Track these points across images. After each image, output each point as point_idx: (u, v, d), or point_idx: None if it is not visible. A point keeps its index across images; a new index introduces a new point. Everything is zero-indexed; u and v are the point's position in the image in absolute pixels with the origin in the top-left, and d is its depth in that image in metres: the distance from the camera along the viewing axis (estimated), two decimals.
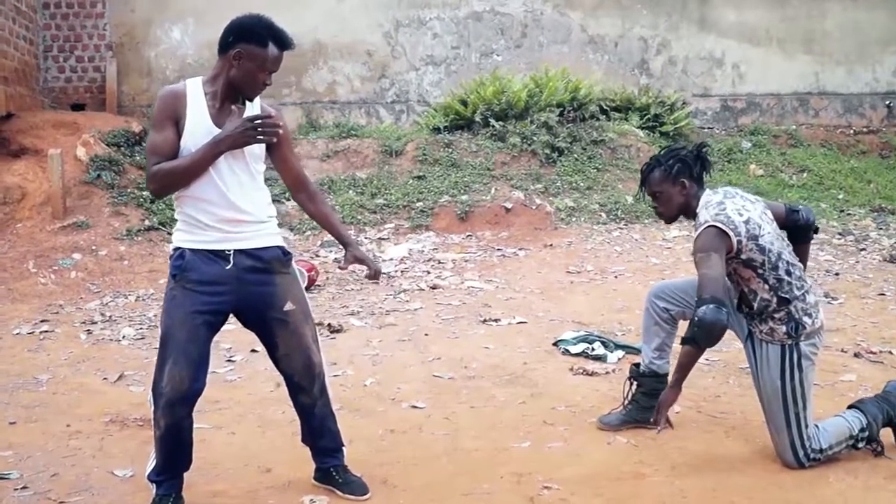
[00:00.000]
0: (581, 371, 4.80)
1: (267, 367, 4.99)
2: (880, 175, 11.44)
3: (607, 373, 4.81)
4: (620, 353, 5.15)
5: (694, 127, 11.94)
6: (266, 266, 3.05)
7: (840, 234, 9.28)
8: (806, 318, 3.46)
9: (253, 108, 3.04)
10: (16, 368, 5.13)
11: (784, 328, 3.44)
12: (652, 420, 3.65)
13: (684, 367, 3.43)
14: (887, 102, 12.90)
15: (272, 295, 3.07)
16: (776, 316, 3.45)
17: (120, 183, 8.86)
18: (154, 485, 3.14)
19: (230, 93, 2.97)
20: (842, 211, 10.27)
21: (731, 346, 5.38)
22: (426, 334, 5.74)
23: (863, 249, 8.62)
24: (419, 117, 11.71)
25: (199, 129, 2.91)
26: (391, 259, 8.19)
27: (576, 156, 10.47)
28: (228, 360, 5.26)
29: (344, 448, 3.38)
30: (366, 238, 8.81)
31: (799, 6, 12.51)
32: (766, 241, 3.41)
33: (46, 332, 5.98)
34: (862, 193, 10.83)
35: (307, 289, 7.01)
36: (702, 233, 3.38)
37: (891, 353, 5.21)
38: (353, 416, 4.18)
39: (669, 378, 3.64)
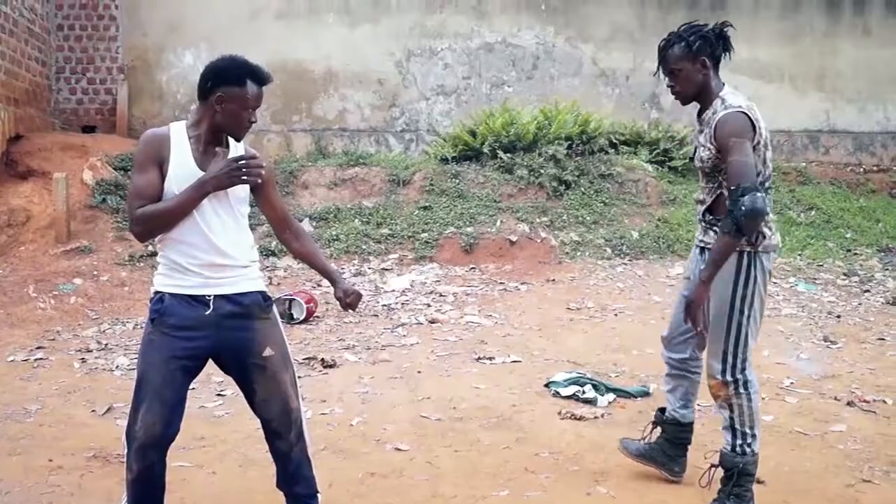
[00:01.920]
0: (569, 415, 4.75)
1: None
2: (889, 214, 11.33)
3: (596, 417, 4.76)
4: (611, 396, 5.10)
5: None
6: (246, 311, 3.03)
7: (845, 274, 9.19)
8: (766, 230, 3.40)
9: (237, 150, 3.06)
10: (6, 397, 5.14)
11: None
12: (692, 323, 3.45)
13: (718, 263, 3.32)
14: None
15: (251, 340, 3.05)
16: None
17: (125, 208, 8.90)
18: None
19: (214, 136, 3.01)
20: (848, 250, 10.17)
21: None
22: (419, 371, 5.71)
23: (867, 291, 8.52)
24: (428, 147, 11.73)
25: (182, 171, 2.92)
26: (393, 291, 8.17)
27: (583, 189, 10.44)
28: (218, 395, 5.24)
29: (319, 495, 3.34)
30: (369, 268, 8.80)
31: (811, 44, 12.52)
32: (769, 154, 3.41)
33: (41, 359, 5.99)
34: (870, 233, 10.73)
35: (305, 320, 7.07)
36: (735, 115, 3.32)
37: (885, 402, 5.13)
38: (336, 458, 4.15)
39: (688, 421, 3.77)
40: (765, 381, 5.45)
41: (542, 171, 10.35)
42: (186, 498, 3.68)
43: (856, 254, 10.05)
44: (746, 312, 3.39)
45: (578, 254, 9.33)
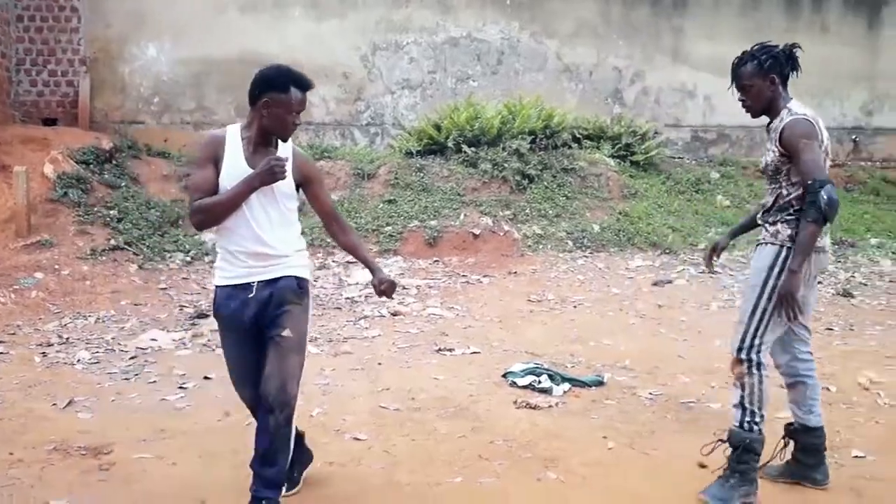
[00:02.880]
0: (525, 404, 4.86)
1: (218, 396, 5.06)
2: (844, 208, 11.53)
3: (550, 406, 4.87)
4: (567, 385, 5.22)
5: (665, 156, 12.08)
6: (280, 294, 3.37)
7: None
8: None
9: (285, 149, 3.41)
10: None
11: (790, 231, 3.61)
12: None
13: (806, 250, 3.54)
14: (853, 137, 13.13)
15: (278, 318, 3.37)
16: (788, 219, 3.63)
17: (87, 201, 8.89)
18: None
19: (264, 137, 3.35)
20: None
21: (675, 380, 5.49)
22: (379, 363, 5.79)
23: (819, 283, 8.70)
24: (393, 140, 11.80)
25: (234, 170, 3.30)
26: (356, 284, 8.24)
27: (546, 183, 10.57)
28: (180, 387, 5.28)
29: (282, 489, 3.45)
30: (333, 262, 8.86)
31: (771, 40, 12.67)
32: (827, 162, 3.68)
33: (1, 353, 5.98)
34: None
35: None
36: (801, 121, 3.58)
37: (828, 389, 5.26)
38: None
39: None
40: (715, 370, 5.62)
41: (505, 165, 10.46)
42: (146, 488, 3.73)
43: None
44: (774, 302, 3.59)
45: (540, 247, 9.46)
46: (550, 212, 10.17)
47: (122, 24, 11.51)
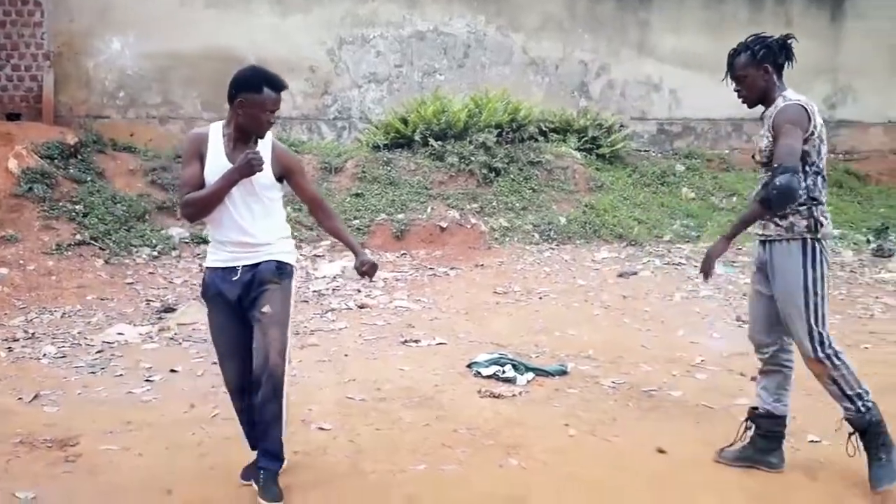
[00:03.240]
0: (488, 394, 4.94)
1: (184, 388, 5.11)
2: None
3: (514, 395, 4.96)
4: (531, 375, 5.30)
5: (631, 149, 12.20)
6: (260, 276, 3.59)
7: None
8: (823, 219, 3.72)
9: (265, 143, 3.59)
10: None
11: (805, 223, 3.68)
12: (700, 271, 3.95)
13: (745, 223, 3.71)
14: None
15: (258, 297, 3.58)
16: (800, 210, 3.68)
17: (52, 196, 8.84)
18: None
19: (241, 134, 3.53)
20: None
21: (638, 369, 5.59)
22: (346, 355, 5.85)
23: None
24: (360, 134, 11.81)
25: (216, 166, 3.51)
26: (324, 277, 8.28)
27: (512, 176, 10.66)
28: (147, 380, 5.30)
29: (284, 462, 3.69)
30: (301, 255, 8.87)
31: (735, 34, 12.56)
32: (824, 148, 3.73)
33: None
34: None
35: None
36: (792, 106, 3.65)
37: None
38: None
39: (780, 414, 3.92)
40: (677, 359, 5.74)
41: (472, 158, 10.53)
42: (112, 479, 3.77)
43: None
44: (820, 293, 3.69)
45: (507, 239, 9.54)
46: (517, 204, 10.26)
47: (86, 18, 11.39)
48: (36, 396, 4.94)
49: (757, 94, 3.81)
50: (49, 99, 11.01)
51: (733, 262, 9.13)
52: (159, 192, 9.73)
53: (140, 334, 6.40)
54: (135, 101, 11.64)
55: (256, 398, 3.57)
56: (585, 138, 11.64)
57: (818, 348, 3.67)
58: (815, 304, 3.67)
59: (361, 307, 7.22)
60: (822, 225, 3.71)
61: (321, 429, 4.43)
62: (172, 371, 5.45)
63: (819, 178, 3.73)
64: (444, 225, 9.55)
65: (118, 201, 9.29)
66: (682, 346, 6.16)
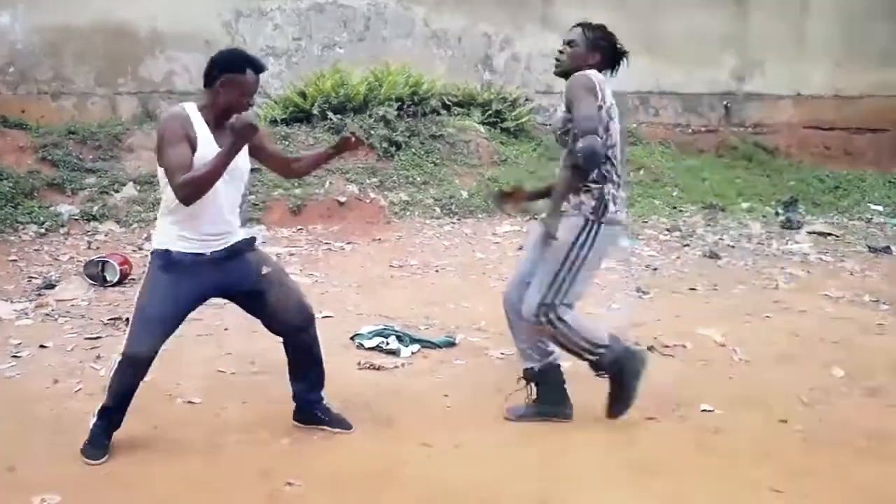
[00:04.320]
0: (368, 365, 4.78)
1: (52, 364, 4.84)
2: (715, 173, 11.91)
3: (395, 367, 4.81)
4: (416, 347, 5.15)
5: (536, 123, 12.12)
6: (235, 251, 3.58)
7: (668, 230, 9.61)
8: (612, 205, 3.71)
9: None
10: None
11: (593, 203, 3.68)
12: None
13: (562, 196, 3.70)
14: (725, 103, 13.45)
15: (248, 267, 3.63)
16: (591, 188, 3.68)
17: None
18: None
19: (224, 116, 3.42)
20: (674, 208, 10.63)
21: None
22: (226, 329, 5.60)
23: (686, 245, 8.93)
24: (259, 109, 11.45)
25: (207, 150, 3.37)
26: None
27: (414, 150, 10.48)
28: (13, 356, 5.02)
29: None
30: None
31: (641, 7, 12.77)
32: (613, 126, 3.71)
33: None
34: (696, 191, 11.24)
35: (119, 282, 6.83)
36: (582, 76, 3.65)
37: (685, 346, 5.36)
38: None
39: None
40: None
41: (372, 132, 10.30)
42: None
43: (681, 211, 10.51)
44: (573, 274, 3.71)
45: (407, 214, 9.38)
46: (418, 178, 10.09)
47: None
48: None
49: (570, 65, 3.77)
50: None
51: (638, 234, 9.16)
52: (50, 169, 9.32)
53: (15, 311, 6.06)
54: (25, 77, 11.07)
55: (305, 338, 3.75)
56: (489, 112, 11.54)
57: (539, 312, 3.72)
58: (563, 279, 3.70)
59: None
60: (607, 209, 3.70)
61: (190, 402, 4.22)
62: (42, 347, 5.16)
63: (613, 159, 3.72)
64: (343, 200, 9.32)
65: (5, 178, 8.85)
66: None
